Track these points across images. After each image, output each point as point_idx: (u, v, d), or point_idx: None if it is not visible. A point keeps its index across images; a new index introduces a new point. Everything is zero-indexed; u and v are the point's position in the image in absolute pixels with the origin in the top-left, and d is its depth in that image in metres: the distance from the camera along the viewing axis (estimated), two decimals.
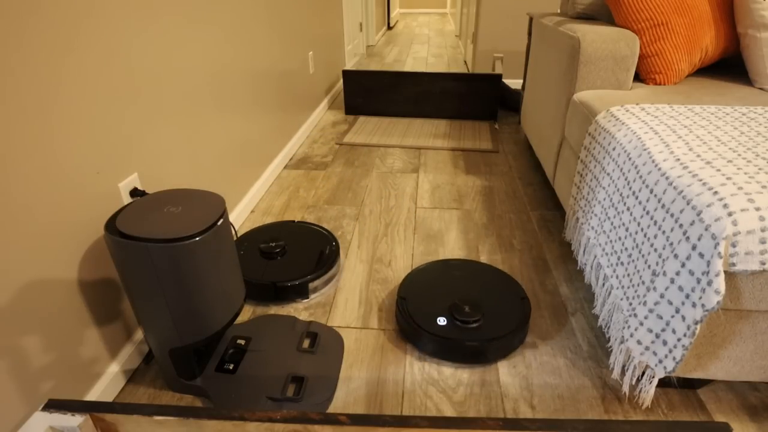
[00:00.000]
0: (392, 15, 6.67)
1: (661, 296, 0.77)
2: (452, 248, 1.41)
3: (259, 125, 1.70)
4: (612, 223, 1.00)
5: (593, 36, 1.31)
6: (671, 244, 0.76)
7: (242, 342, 1.01)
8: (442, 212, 1.62)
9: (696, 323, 0.72)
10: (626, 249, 0.92)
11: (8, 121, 0.68)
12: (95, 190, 0.87)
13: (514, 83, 3.15)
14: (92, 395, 0.88)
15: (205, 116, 1.28)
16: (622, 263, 0.94)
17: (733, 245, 0.68)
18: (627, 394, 0.94)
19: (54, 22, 0.75)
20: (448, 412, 0.91)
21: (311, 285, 1.20)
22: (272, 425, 0.52)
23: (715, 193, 0.72)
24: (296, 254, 1.29)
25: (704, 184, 0.75)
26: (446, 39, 5.51)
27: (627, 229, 0.92)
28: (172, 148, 1.12)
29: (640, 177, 0.89)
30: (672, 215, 0.77)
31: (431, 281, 1.17)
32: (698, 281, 0.70)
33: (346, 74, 2.54)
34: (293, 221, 1.47)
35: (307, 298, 1.21)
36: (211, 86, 1.31)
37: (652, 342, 0.81)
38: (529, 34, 2.15)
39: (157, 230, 0.75)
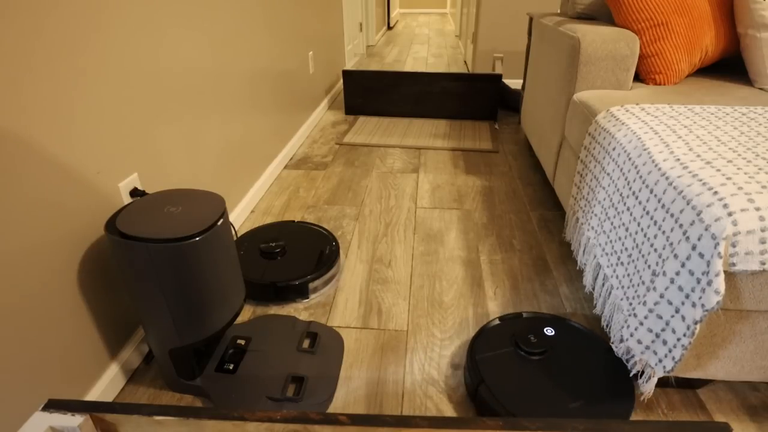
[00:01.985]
0: (392, 15, 6.67)
1: (661, 296, 0.77)
2: (452, 248, 1.41)
3: (259, 125, 1.70)
4: (612, 223, 1.00)
5: (593, 36, 1.31)
6: (671, 244, 0.76)
7: (242, 342, 1.01)
8: (442, 212, 1.62)
9: (696, 323, 0.72)
10: (626, 249, 0.92)
11: (8, 122, 0.68)
12: (95, 190, 0.87)
13: (514, 83, 3.14)
14: (92, 395, 0.88)
15: (205, 116, 1.28)
16: (622, 263, 0.94)
17: (733, 245, 0.68)
18: None
19: (53, 23, 0.75)
20: (448, 412, 0.91)
21: (311, 285, 1.20)
22: (272, 425, 0.52)
23: (715, 193, 0.72)
24: (296, 254, 1.29)
25: (704, 184, 0.75)
26: (446, 39, 5.51)
27: (627, 229, 0.92)
28: (172, 148, 1.12)
29: (640, 177, 0.89)
30: (672, 215, 0.77)
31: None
32: (698, 281, 0.70)
33: (346, 74, 2.54)
34: (293, 221, 1.47)
35: (307, 298, 1.21)
36: (211, 86, 1.31)
37: (652, 341, 0.81)
38: (529, 34, 2.15)
39: (157, 230, 0.75)
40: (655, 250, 0.80)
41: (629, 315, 0.87)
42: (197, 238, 0.75)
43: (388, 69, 3.86)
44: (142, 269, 0.76)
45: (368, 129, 2.42)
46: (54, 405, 0.54)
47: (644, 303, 0.81)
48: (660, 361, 0.80)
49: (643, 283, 0.84)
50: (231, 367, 0.95)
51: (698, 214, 0.71)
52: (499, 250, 1.41)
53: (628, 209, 0.93)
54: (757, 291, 0.73)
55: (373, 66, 4.03)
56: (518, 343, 0.95)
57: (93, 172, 0.86)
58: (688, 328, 0.73)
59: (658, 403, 0.92)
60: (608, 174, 1.04)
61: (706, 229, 0.69)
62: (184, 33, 1.15)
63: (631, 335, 0.85)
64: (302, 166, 2.01)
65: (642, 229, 0.86)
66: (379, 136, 2.32)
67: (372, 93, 2.58)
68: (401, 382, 0.97)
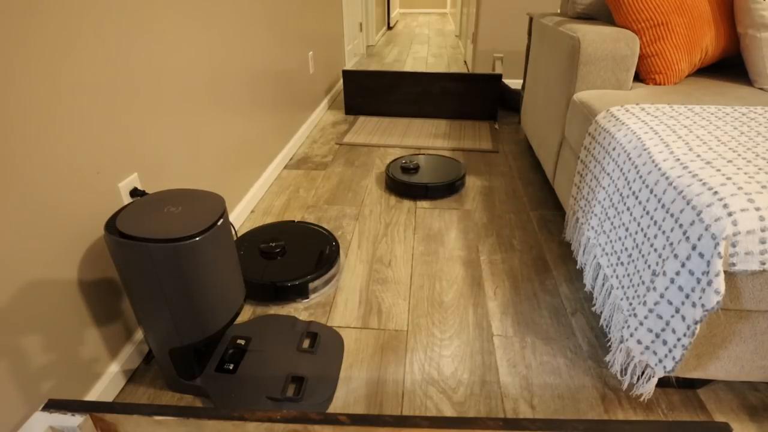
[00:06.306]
0: (392, 15, 6.67)
1: (661, 296, 0.77)
2: (452, 248, 1.41)
3: (259, 125, 1.70)
4: (612, 223, 1.00)
5: (593, 36, 1.31)
6: (671, 244, 0.76)
7: (242, 342, 1.01)
8: (442, 212, 1.62)
9: (696, 323, 0.72)
10: (626, 249, 0.92)
11: (8, 122, 0.68)
12: (95, 190, 0.87)
13: (514, 83, 3.14)
14: (92, 395, 0.88)
15: (205, 116, 1.28)
16: (622, 263, 0.94)
17: (733, 245, 0.68)
18: (627, 393, 0.94)
19: (54, 22, 0.75)
20: (448, 412, 0.91)
21: (311, 285, 1.20)
22: (272, 425, 0.52)
23: (715, 193, 0.72)
24: (296, 254, 1.29)
25: (704, 184, 0.75)
26: (446, 39, 5.51)
27: (627, 229, 0.92)
28: (172, 148, 1.12)
29: (640, 177, 0.89)
30: (672, 215, 0.77)
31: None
32: (698, 281, 0.70)
33: (346, 74, 2.54)
34: (293, 221, 1.47)
35: (307, 298, 1.21)
36: (212, 86, 1.31)
37: (652, 342, 0.81)
38: (529, 34, 2.15)
39: (157, 230, 0.75)
40: (655, 250, 0.80)
41: (629, 315, 0.87)
42: (197, 238, 0.75)
43: (388, 69, 3.86)
44: (142, 269, 0.76)
45: (368, 129, 2.42)
46: (54, 405, 0.54)
47: (644, 303, 0.81)
48: (660, 361, 0.80)
49: (643, 283, 0.84)
50: (231, 367, 0.95)
51: (698, 214, 0.71)
52: (499, 250, 1.41)
53: (628, 209, 0.93)
54: (757, 291, 0.73)
55: (373, 66, 4.03)
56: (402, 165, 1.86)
57: (93, 172, 0.86)
58: (688, 328, 0.73)
59: (658, 403, 0.92)
60: (608, 174, 1.04)
61: (706, 229, 0.69)
62: (184, 32, 1.15)
63: (631, 335, 0.85)
64: (302, 166, 2.01)
65: (642, 229, 0.86)
66: (379, 136, 2.32)
67: (372, 93, 2.58)
68: (401, 382, 0.97)
